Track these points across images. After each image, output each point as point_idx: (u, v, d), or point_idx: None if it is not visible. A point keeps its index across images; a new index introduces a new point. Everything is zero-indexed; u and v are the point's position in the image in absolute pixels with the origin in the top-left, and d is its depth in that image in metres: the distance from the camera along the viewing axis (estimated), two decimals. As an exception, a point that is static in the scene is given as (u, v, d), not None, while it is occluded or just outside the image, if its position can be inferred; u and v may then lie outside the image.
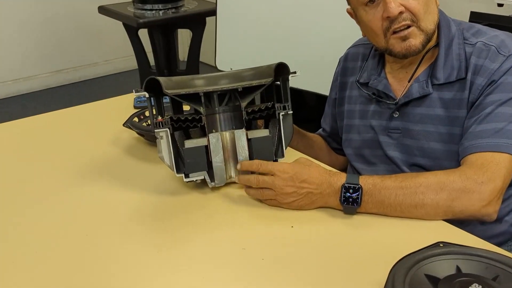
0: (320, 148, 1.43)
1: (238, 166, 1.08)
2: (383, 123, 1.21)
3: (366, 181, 1.00)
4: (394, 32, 1.10)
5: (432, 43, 1.14)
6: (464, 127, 1.10)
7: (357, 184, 0.99)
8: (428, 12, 1.10)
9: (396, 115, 1.19)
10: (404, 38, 1.10)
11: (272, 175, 1.03)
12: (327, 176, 1.02)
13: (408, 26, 1.09)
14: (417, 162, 1.17)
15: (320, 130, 1.47)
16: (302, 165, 1.04)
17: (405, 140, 1.18)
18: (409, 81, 1.17)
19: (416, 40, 1.10)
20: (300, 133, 1.36)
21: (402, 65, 1.18)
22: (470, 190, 0.97)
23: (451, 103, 1.12)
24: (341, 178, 1.01)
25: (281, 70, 1.13)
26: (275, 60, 1.14)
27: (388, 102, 1.20)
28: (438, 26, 1.14)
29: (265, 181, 1.03)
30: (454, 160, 1.11)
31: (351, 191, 0.99)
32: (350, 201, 0.99)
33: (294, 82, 1.15)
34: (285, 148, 1.14)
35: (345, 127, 1.32)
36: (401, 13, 1.08)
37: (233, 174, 1.12)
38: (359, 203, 0.99)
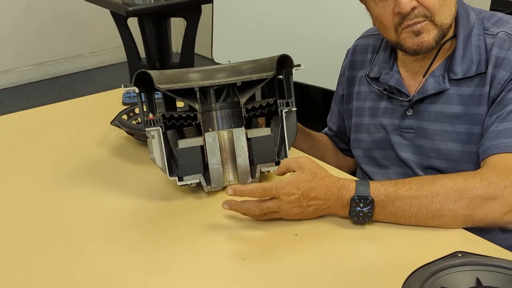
0: (326, 149, 1.42)
1: (230, 192, 0.99)
2: (395, 121, 1.21)
3: (378, 191, 0.99)
4: (406, 26, 1.11)
5: (449, 34, 1.14)
6: (485, 126, 1.09)
7: (368, 197, 0.98)
8: (444, 6, 1.10)
9: (410, 113, 1.19)
10: (417, 33, 1.10)
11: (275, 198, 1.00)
12: (336, 190, 1.00)
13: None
14: (432, 164, 1.17)
15: (326, 129, 1.47)
16: (308, 180, 1.00)
17: (420, 141, 1.18)
18: (423, 76, 1.17)
19: (429, 35, 1.10)
20: (304, 132, 1.36)
21: (416, 58, 1.18)
22: (492, 196, 0.97)
23: (470, 99, 1.12)
24: (350, 189, 1.00)
25: (284, 62, 1.13)
26: (277, 52, 1.14)
27: (400, 99, 1.19)
28: (456, 15, 1.14)
29: (269, 207, 1.00)
30: (473, 162, 1.11)
31: (361, 205, 0.98)
32: (361, 216, 0.99)
33: (298, 76, 1.15)
34: (288, 149, 1.14)
35: (354, 126, 1.32)
36: (413, 8, 1.08)
37: (231, 177, 1.12)
38: (370, 217, 0.99)
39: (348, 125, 1.36)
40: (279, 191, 0.99)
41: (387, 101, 1.23)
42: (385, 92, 1.22)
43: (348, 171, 1.31)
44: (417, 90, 1.17)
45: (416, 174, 1.18)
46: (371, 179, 1.26)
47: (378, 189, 0.99)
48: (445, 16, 1.11)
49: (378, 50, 1.27)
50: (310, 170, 1.01)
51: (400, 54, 1.22)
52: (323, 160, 1.22)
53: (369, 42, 1.31)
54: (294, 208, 1.00)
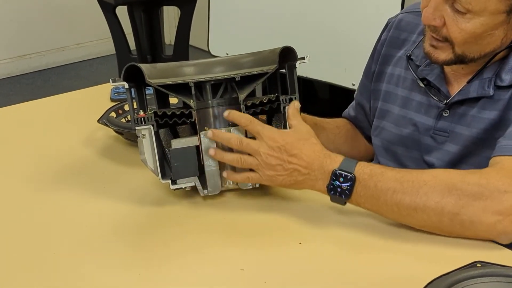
0: (345, 142, 1.37)
1: (226, 113, 1.08)
2: (429, 121, 1.17)
3: (362, 170, 1.00)
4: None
5: (506, 44, 1.09)
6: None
7: (351, 173, 1.00)
8: (474, 43, 1.06)
9: (446, 114, 1.16)
10: (432, 45, 1.09)
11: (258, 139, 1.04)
12: (321, 155, 1.03)
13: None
14: None
15: (351, 110, 1.40)
16: (296, 137, 1.04)
17: (450, 146, 1.16)
18: (469, 82, 1.12)
19: (440, 55, 1.09)
20: (317, 127, 1.30)
21: None
22: (487, 197, 0.94)
23: (508, 104, 1.08)
24: (336, 161, 1.02)
25: (287, 55, 1.13)
26: (279, 44, 1.14)
27: (436, 99, 1.16)
28: None
29: (249, 145, 1.04)
30: None
31: (341, 179, 1.00)
32: (339, 191, 1.00)
33: (302, 70, 1.15)
34: (292, 149, 1.14)
35: (379, 111, 1.28)
36: (436, 26, 1.06)
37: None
38: (348, 195, 1.00)
39: (374, 107, 1.31)
40: (264, 131, 1.04)
41: (423, 94, 1.19)
42: (422, 84, 1.18)
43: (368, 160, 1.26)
44: (459, 91, 1.13)
45: None
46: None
47: (364, 167, 1.01)
48: (471, 51, 1.08)
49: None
50: (305, 132, 1.06)
51: None
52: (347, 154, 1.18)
53: (418, 21, 1.21)
54: (272, 158, 1.03)
